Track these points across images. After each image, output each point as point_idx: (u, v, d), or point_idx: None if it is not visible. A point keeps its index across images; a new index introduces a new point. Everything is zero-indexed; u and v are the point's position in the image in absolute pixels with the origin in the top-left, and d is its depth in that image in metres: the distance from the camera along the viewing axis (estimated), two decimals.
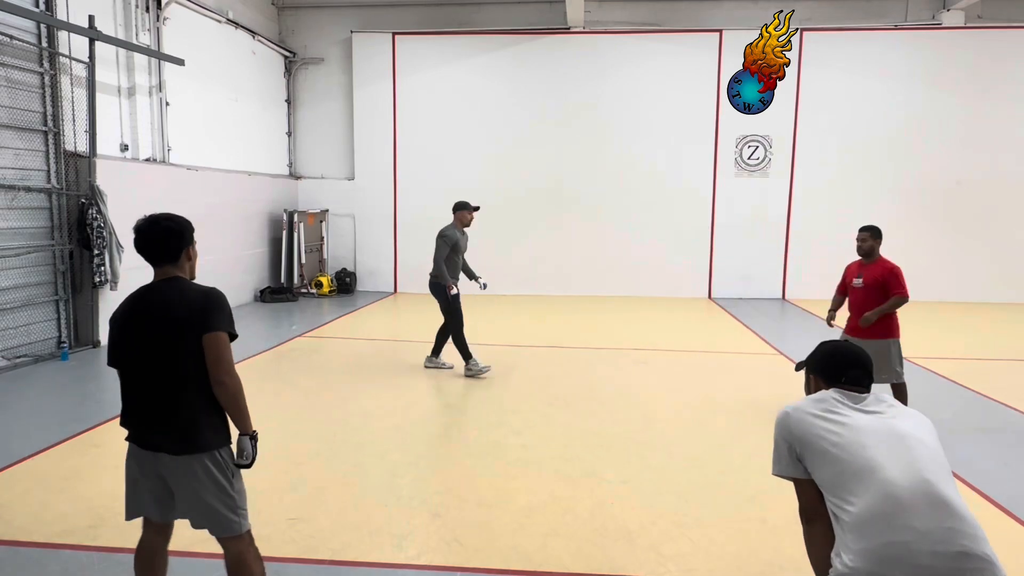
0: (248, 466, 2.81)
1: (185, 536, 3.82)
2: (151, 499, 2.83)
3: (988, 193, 13.03)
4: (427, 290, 7.48)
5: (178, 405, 2.70)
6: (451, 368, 7.53)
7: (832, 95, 13.03)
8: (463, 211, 7.43)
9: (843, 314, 6.32)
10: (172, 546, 3.05)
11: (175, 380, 2.70)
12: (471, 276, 7.77)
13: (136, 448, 2.80)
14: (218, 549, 2.95)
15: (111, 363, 2.85)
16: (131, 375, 2.79)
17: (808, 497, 2.57)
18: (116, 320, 2.83)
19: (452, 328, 7.34)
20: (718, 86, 13.18)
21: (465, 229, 7.52)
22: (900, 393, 5.74)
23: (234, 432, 2.82)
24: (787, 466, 2.58)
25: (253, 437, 2.81)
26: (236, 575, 2.86)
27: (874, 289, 6.07)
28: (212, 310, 2.72)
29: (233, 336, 2.78)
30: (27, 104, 7.69)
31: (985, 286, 13.05)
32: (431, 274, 7.36)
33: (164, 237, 2.78)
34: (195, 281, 2.89)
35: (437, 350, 7.68)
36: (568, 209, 13.58)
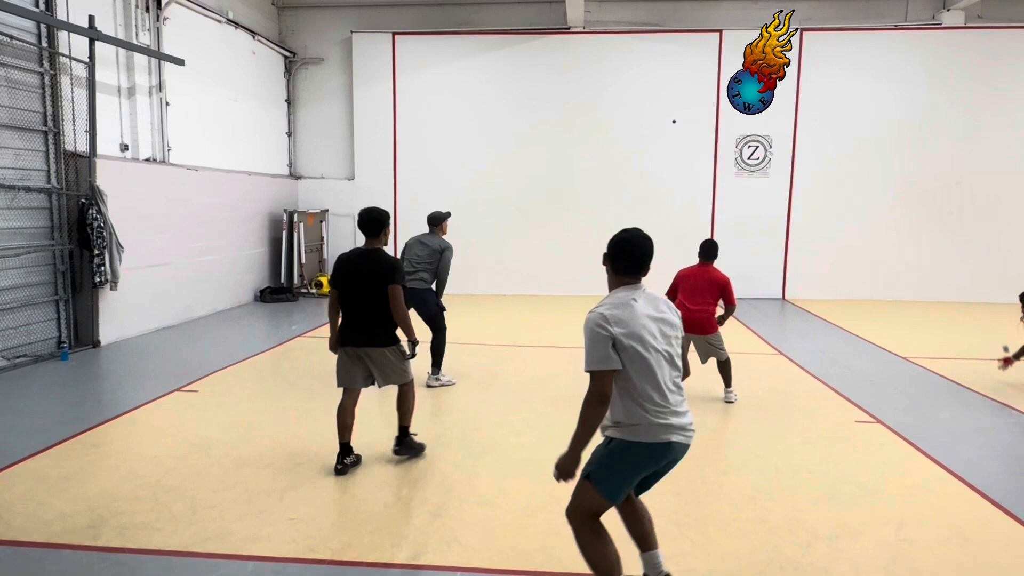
0: (410, 358, 4.94)
1: (185, 536, 3.83)
2: (359, 376, 4.89)
3: (988, 193, 13.03)
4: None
5: (378, 321, 4.77)
6: (455, 384, 7.17)
7: (832, 95, 13.03)
8: (445, 221, 7.32)
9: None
10: (174, 547, 3.06)
11: (377, 307, 4.74)
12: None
13: (352, 348, 4.81)
14: (217, 549, 3.53)
15: (333, 285, 4.84)
16: (352, 303, 4.79)
17: None
18: (344, 265, 4.81)
19: (444, 337, 7.13)
20: (718, 86, 13.17)
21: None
22: None
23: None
24: None
25: (415, 343, 4.94)
26: (402, 401, 5.02)
27: None
28: (394, 271, 4.75)
29: (404, 286, 4.86)
30: (27, 104, 7.68)
31: (985, 286, 13.04)
32: (426, 282, 7.05)
33: (372, 220, 4.83)
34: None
35: (437, 365, 7.17)
36: (568, 208, 13.58)
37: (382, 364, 4.83)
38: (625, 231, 3.13)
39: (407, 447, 5.06)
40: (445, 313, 7.20)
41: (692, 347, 6.59)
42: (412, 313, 7.19)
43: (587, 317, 2.94)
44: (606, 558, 3.01)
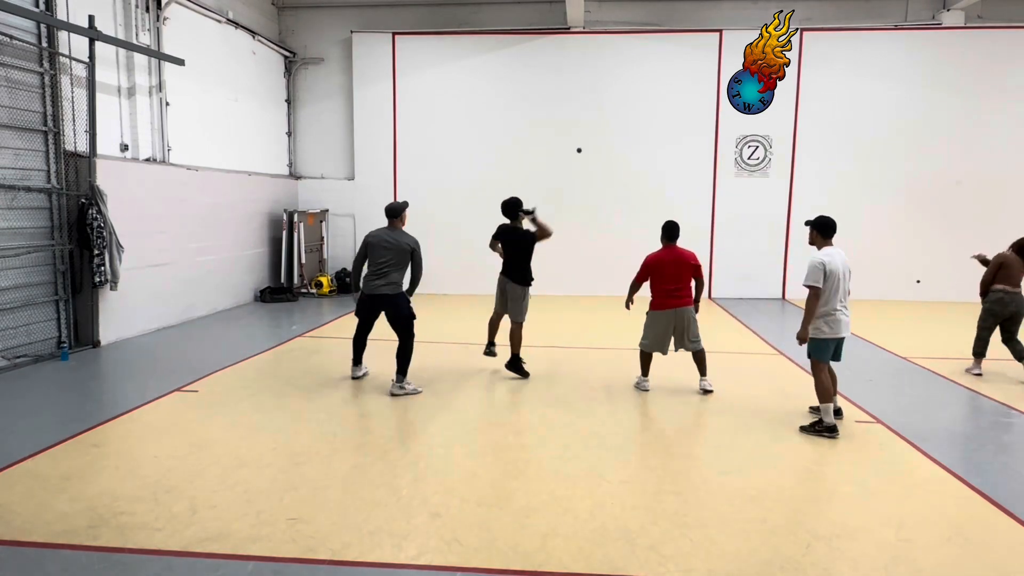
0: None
1: (185, 536, 3.83)
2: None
3: (988, 193, 13.03)
4: (421, 290, 7.04)
5: (518, 268, 7.72)
6: (421, 392, 6.83)
7: (832, 95, 13.03)
8: (404, 212, 7.00)
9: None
10: (174, 547, 3.08)
11: (521, 259, 7.59)
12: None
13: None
14: (217, 549, 3.53)
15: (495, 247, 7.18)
16: (509, 258, 7.40)
17: None
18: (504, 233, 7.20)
19: (411, 342, 6.82)
20: (718, 86, 13.17)
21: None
22: None
23: None
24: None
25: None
26: (513, 336, 7.30)
27: None
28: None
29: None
30: (27, 104, 7.68)
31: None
32: (399, 285, 6.83)
33: (511, 205, 7.80)
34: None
35: (403, 372, 6.81)
36: (568, 208, 13.56)
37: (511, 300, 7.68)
38: (823, 215, 5.85)
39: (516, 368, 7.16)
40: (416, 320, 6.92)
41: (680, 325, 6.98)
42: (390, 319, 6.86)
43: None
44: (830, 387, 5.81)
